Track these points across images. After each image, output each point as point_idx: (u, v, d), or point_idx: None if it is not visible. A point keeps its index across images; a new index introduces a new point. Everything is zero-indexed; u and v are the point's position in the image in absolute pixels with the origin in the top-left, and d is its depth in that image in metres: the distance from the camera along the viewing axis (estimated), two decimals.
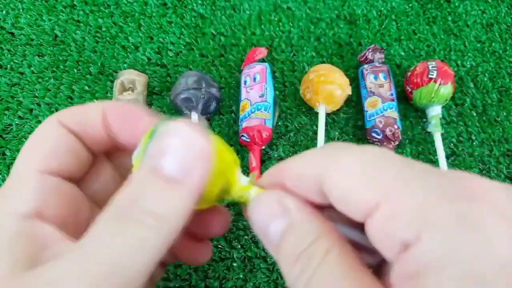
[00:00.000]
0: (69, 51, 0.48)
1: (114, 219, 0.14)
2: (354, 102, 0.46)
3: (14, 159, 0.41)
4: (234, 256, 0.37)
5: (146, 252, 0.13)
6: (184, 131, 0.15)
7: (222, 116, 0.45)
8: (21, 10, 0.50)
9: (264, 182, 0.17)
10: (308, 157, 0.15)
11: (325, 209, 0.16)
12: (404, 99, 0.46)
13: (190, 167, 0.14)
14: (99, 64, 0.47)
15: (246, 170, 0.41)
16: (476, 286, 0.11)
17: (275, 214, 0.15)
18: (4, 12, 0.50)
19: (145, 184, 0.14)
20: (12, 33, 0.48)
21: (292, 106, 0.46)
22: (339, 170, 0.14)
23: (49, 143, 0.17)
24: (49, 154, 0.17)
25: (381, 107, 0.42)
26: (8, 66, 0.46)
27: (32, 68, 0.46)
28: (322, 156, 0.15)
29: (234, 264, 0.37)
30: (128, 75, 0.43)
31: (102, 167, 0.20)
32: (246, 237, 0.38)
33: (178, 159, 0.14)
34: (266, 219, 0.15)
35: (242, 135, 0.41)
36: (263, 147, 0.43)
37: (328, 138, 0.44)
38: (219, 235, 0.19)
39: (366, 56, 0.46)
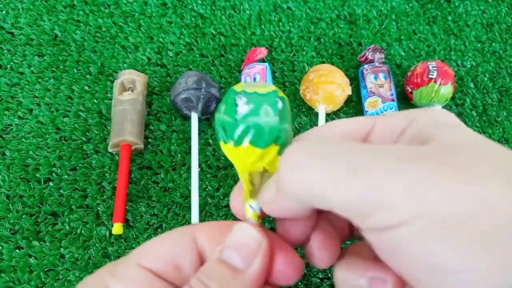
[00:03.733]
0: (69, 51, 0.48)
1: None
2: (354, 102, 0.46)
3: (14, 159, 0.41)
4: None
5: None
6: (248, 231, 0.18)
7: None
8: (21, 10, 0.50)
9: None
10: None
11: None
12: (404, 99, 0.46)
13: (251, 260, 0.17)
14: (99, 64, 0.47)
15: None
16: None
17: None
18: (4, 12, 0.50)
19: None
20: (12, 33, 0.48)
21: (292, 106, 0.46)
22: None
23: (169, 249, 0.18)
24: (164, 258, 0.18)
25: (381, 107, 0.42)
26: (8, 66, 0.46)
27: (32, 68, 0.46)
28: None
29: None
30: (128, 75, 0.43)
31: None
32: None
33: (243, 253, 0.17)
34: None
35: None
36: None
37: None
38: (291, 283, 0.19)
39: (366, 56, 0.46)
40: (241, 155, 0.17)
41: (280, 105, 0.17)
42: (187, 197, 0.40)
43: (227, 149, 0.18)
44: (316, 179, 0.14)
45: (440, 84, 0.41)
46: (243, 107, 0.17)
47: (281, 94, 0.18)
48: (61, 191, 0.40)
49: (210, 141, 0.43)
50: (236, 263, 0.17)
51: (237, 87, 0.18)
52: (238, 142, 0.17)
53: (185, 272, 0.18)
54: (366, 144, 0.15)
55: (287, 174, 0.15)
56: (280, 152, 0.17)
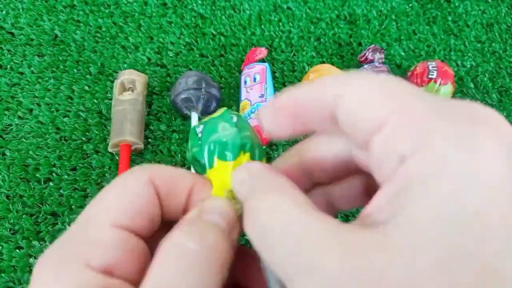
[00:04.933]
0: (69, 51, 0.48)
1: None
2: None
3: (14, 159, 0.41)
4: None
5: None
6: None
7: None
8: (21, 10, 0.50)
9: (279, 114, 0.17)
10: (321, 83, 0.15)
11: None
12: None
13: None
14: (99, 64, 0.47)
15: None
16: (457, 205, 0.11)
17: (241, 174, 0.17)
18: (4, 12, 0.50)
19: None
20: (12, 33, 0.48)
21: None
22: (352, 90, 0.14)
23: (133, 199, 0.16)
24: (131, 211, 0.16)
25: None
26: (8, 66, 0.46)
27: (32, 68, 0.46)
28: (335, 82, 0.15)
29: None
30: (128, 75, 0.43)
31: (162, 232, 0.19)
32: (246, 236, 0.38)
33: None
34: (235, 181, 0.17)
35: None
36: (263, 147, 0.43)
37: None
38: None
39: (366, 56, 0.46)
40: (218, 174, 0.18)
41: (235, 119, 0.18)
42: None
43: (208, 175, 0.18)
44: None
45: (440, 84, 0.42)
46: (202, 132, 0.18)
47: (233, 112, 0.19)
48: (61, 191, 0.40)
49: None
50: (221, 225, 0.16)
51: (197, 124, 0.19)
52: (210, 164, 0.18)
53: (156, 222, 0.17)
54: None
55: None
56: (252, 157, 0.18)
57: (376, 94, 0.13)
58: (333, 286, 0.11)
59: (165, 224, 0.18)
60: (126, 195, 0.16)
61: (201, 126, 0.18)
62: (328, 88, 0.15)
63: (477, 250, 0.10)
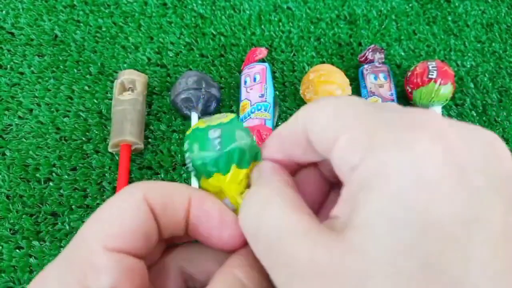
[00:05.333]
0: (69, 51, 0.48)
1: None
2: None
3: (14, 159, 0.41)
4: None
5: None
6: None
7: None
8: (21, 10, 0.50)
9: (269, 153, 0.19)
10: (294, 118, 0.17)
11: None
12: (404, 99, 0.46)
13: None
14: (99, 64, 0.47)
15: None
16: (397, 203, 0.12)
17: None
18: (4, 12, 0.50)
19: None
20: (12, 33, 0.48)
21: (292, 106, 0.46)
22: (315, 120, 0.16)
23: (126, 220, 0.16)
24: (123, 233, 0.16)
25: None
26: (8, 66, 0.46)
27: (32, 68, 0.46)
28: (303, 115, 0.17)
29: None
30: (128, 75, 0.43)
31: (160, 246, 0.19)
32: None
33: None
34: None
35: None
36: None
37: None
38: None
39: (366, 56, 0.46)
40: (230, 181, 0.18)
41: (244, 126, 0.19)
42: None
43: (215, 180, 0.18)
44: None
45: (440, 84, 0.42)
46: (219, 138, 0.18)
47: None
48: (61, 191, 0.40)
49: None
50: None
51: (201, 125, 0.19)
52: (226, 170, 0.18)
53: (153, 240, 0.17)
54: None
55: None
56: None
57: (330, 118, 0.15)
58: (299, 276, 0.13)
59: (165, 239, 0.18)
60: (118, 217, 0.16)
61: (218, 131, 0.18)
62: (300, 122, 0.17)
63: (418, 242, 0.12)
